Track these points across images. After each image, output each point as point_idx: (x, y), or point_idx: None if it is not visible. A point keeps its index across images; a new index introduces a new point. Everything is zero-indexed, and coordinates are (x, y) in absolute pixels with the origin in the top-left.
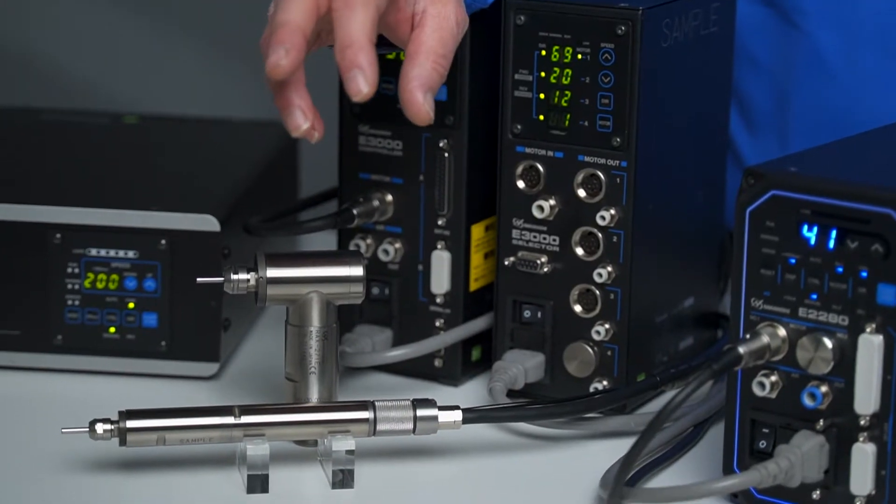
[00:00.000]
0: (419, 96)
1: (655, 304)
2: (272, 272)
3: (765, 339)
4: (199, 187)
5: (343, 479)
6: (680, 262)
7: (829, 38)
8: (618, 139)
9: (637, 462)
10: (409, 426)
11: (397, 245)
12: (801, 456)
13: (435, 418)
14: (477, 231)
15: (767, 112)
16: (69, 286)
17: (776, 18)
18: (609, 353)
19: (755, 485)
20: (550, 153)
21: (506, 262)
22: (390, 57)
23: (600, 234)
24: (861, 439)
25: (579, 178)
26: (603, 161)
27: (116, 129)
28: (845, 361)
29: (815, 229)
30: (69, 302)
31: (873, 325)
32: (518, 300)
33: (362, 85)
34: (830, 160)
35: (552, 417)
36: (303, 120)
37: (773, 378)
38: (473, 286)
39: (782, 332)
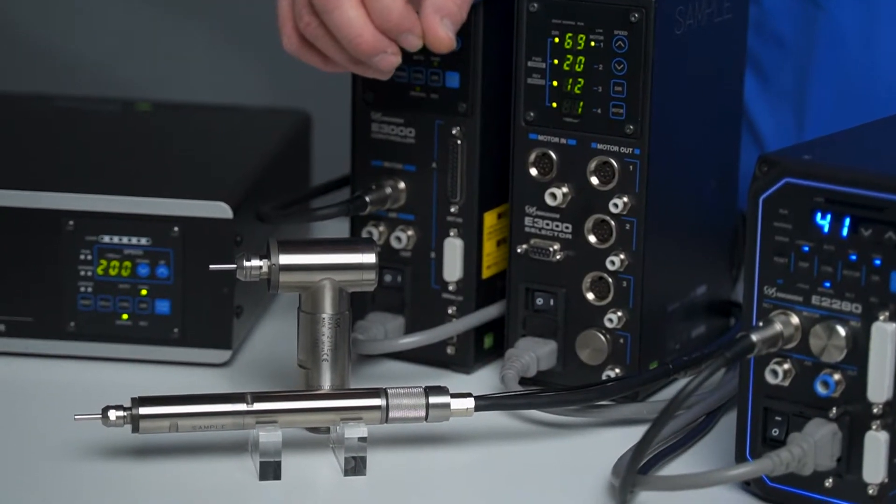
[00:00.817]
0: (437, 21)
1: (668, 291)
2: (285, 259)
3: (778, 326)
4: (211, 174)
5: (355, 467)
6: (693, 250)
7: (849, 16)
8: (631, 127)
9: (649, 450)
10: (422, 413)
11: (410, 232)
12: (814, 444)
13: (447, 406)
14: (489, 218)
15: (787, 89)
16: (82, 273)
17: None
18: (621, 340)
19: (767, 473)
20: (563, 140)
21: (518, 250)
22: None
23: (613, 222)
24: (874, 427)
25: (592, 165)
26: (616, 149)
27: (129, 117)
28: (858, 349)
29: (829, 217)
30: (82, 289)
31: (887, 313)
32: (530, 288)
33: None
34: (844, 148)
35: (564, 405)
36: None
37: (786, 366)
38: (486, 273)
39: (795, 319)
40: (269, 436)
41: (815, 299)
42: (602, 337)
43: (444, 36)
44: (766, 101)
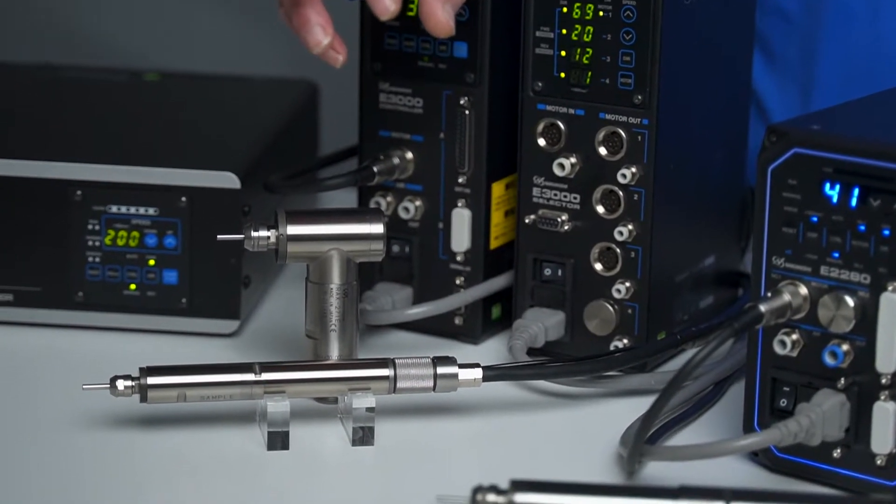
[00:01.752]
0: (438, 6)
1: (676, 262)
2: (293, 229)
3: (786, 297)
4: (219, 144)
5: (363, 437)
6: (701, 221)
7: None
8: (639, 97)
9: (657, 420)
10: (430, 384)
11: (417, 203)
12: (822, 414)
13: (455, 376)
14: (497, 189)
15: (793, 64)
16: (90, 243)
17: None
18: (629, 311)
19: (776, 443)
20: (571, 111)
21: (526, 220)
22: (411, 14)
23: (621, 193)
24: (882, 398)
25: (600, 135)
26: (624, 119)
27: (137, 87)
28: (867, 320)
29: (838, 187)
30: (90, 259)
31: (895, 284)
32: (538, 258)
33: (389, 3)
34: (853, 118)
35: (572, 375)
36: (322, 35)
37: (795, 336)
38: (494, 244)
39: (804, 290)
40: (278, 406)
41: (823, 270)
42: (610, 307)
43: (445, 23)
44: (773, 78)
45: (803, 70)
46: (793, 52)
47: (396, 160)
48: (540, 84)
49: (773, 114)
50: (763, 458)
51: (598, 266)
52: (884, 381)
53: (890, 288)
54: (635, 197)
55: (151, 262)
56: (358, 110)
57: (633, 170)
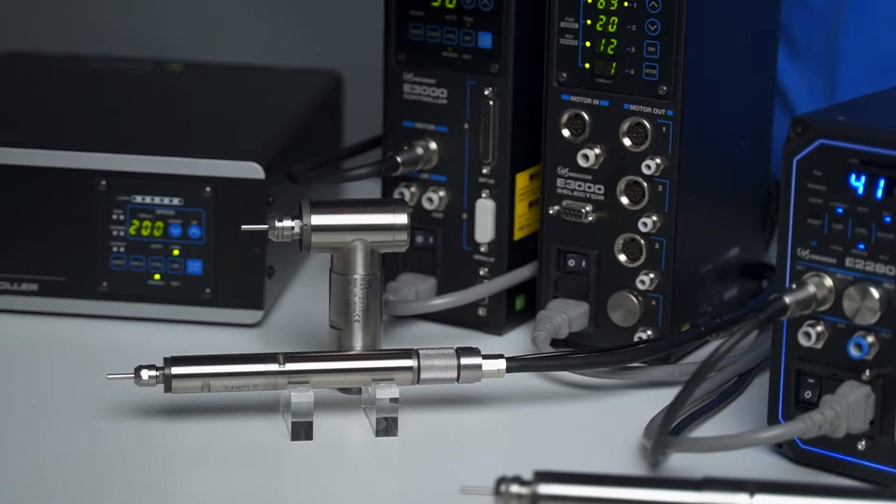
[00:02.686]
0: None
1: (700, 253)
2: (317, 219)
3: (811, 288)
4: (243, 135)
5: (387, 427)
6: (725, 212)
7: None
8: (664, 87)
9: (681, 412)
10: (453, 374)
11: (441, 193)
12: (847, 406)
13: (479, 367)
14: (521, 179)
15: (817, 56)
16: (114, 233)
17: None
18: (653, 302)
19: (800, 435)
20: (596, 101)
21: (550, 211)
22: (435, 4)
23: (645, 183)
24: None
25: (625, 126)
26: (649, 110)
27: (161, 76)
28: (892, 312)
29: (863, 178)
30: (114, 249)
31: None
32: (562, 249)
33: None
34: (879, 109)
35: (596, 367)
36: None
37: (819, 328)
38: (518, 235)
39: (829, 282)
40: (301, 396)
41: (848, 261)
42: (634, 299)
43: None
44: (797, 70)
45: (827, 62)
46: (817, 44)
47: (420, 150)
48: (564, 75)
49: (797, 106)
50: (787, 450)
51: (622, 257)
52: None
53: None
54: (659, 188)
55: (176, 252)
56: (382, 101)
57: (658, 161)
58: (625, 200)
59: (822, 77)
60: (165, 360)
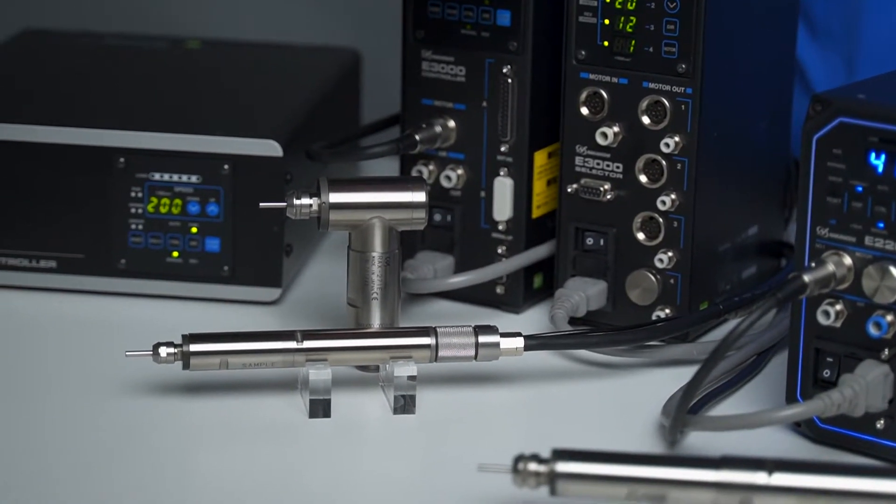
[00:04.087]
0: None
1: (719, 232)
2: (335, 197)
3: (830, 267)
4: (261, 112)
5: (405, 405)
6: (744, 190)
7: None
8: (683, 65)
9: (699, 390)
10: (471, 353)
11: (460, 171)
12: (866, 385)
13: (497, 345)
14: (540, 158)
15: (836, 35)
16: (133, 210)
17: None
18: (672, 280)
19: (819, 414)
20: (615, 79)
21: (569, 189)
22: None
23: (664, 162)
24: None
25: (643, 104)
26: (668, 88)
27: (179, 54)
28: None
29: (883, 157)
30: (133, 226)
31: None
32: (580, 227)
33: None
34: None
35: (614, 345)
36: None
37: (838, 307)
38: (536, 213)
39: (848, 260)
40: (319, 373)
41: (868, 240)
42: (652, 277)
43: None
44: (816, 49)
45: (846, 41)
46: (836, 23)
47: (439, 128)
48: (583, 52)
49: (816, 85)
50: (806, 428)
51: (641, 235)
52: None
53: None
54: (678, 166)
55: (194, 230)
56: (400, 78)
57: (677, 139)
58: (643, 179)
59: (842, 57)
60: (184, 337)
